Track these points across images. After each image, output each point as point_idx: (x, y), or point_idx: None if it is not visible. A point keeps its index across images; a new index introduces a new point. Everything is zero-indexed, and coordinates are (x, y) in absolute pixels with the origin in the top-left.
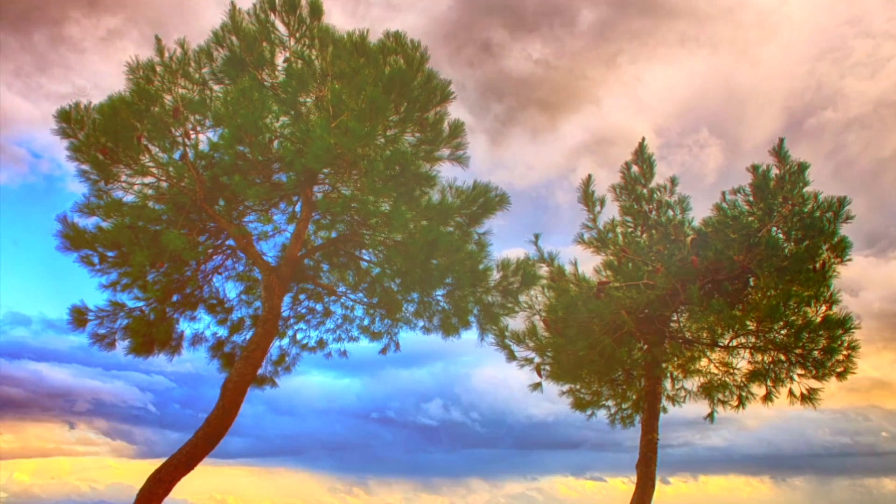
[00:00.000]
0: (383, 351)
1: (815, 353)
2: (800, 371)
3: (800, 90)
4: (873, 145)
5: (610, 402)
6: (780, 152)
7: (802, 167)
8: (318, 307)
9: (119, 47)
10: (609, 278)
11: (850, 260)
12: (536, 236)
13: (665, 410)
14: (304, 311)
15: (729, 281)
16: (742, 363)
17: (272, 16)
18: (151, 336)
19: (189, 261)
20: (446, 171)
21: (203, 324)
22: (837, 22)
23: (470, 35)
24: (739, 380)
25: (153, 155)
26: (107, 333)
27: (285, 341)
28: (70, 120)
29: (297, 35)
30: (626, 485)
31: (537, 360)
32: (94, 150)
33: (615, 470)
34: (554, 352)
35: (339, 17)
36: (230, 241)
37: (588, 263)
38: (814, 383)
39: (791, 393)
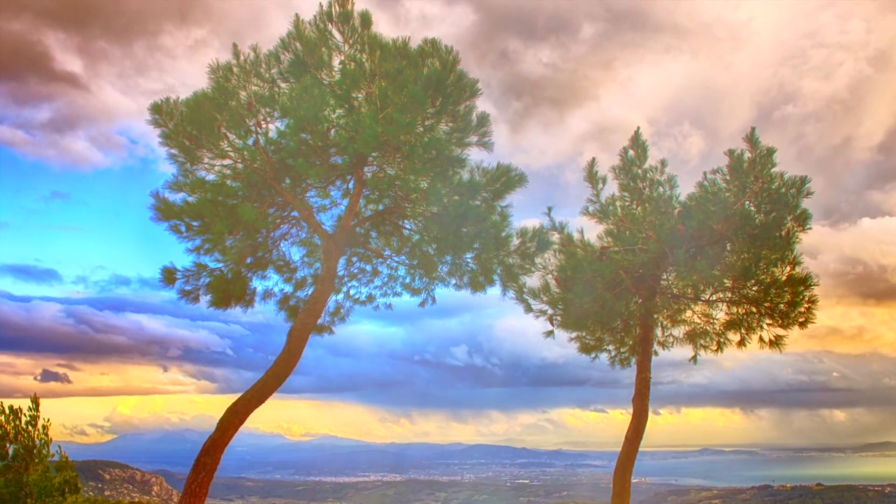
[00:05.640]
0: (422, 304)
1: (781, 305)
2: (768, 321)
3: (765, 89)
4: (827, 135)
5: (610, 347)
6: (752, 139)
7: (770, 151)
8: (368, 268)
9: (203, 53)
10: (610, 244)
11: (810, 229)
12: (549, 209)
13: (656, 353)
14: (356, 271)
15: (709, 246)
16: (720, 314)
17: (329, 25)
18: (229, 292)
19: (260, 229)
20: (474, 155)
21: (272, 281)
22: (797, 35)
23: (490, 45)
24: (718, 328)
25: (230, 141)
26: (192, 290)
27: (340, 296)
28: (161, 112)
29: (351, 41)
30: (623, 415)
31: (550, 311)
32: (181, 138)
33: (615, 403)
34: (564, 305)
35: (385, 26)
36: (295, 213)
37: (592, 231)
38: (780, 331)
39: (761, 339)
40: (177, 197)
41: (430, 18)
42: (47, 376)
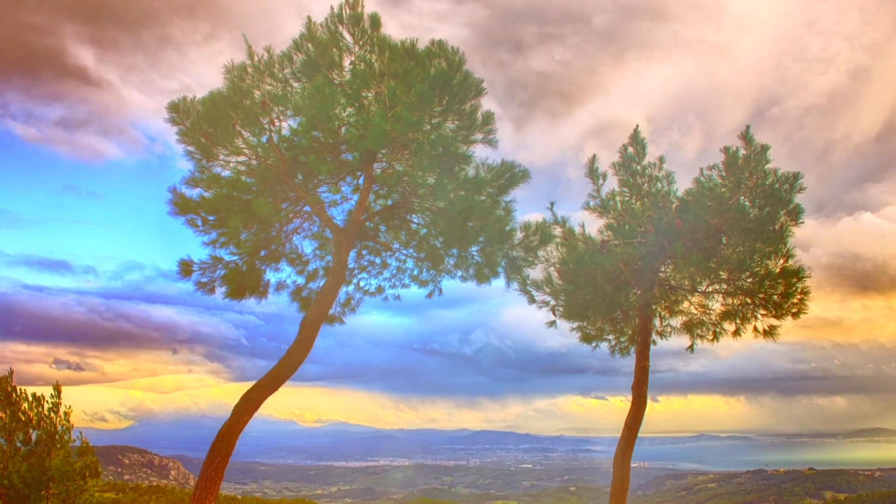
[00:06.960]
0: (429, 295)
1: (775, 297)
2: (762, 311)
3: (760, 85)
4: (826, 129)
5: (610, 336)
6: (746, 136)
7: (764, 149)
8: (377, 260)
9: (220, 58)
10: (610, 237)
11: (802, 223)
12: (552, 203)
13: (655, 343)
14: (365, 263)
15: (706, 239)
16: (716, 305)
17: (340, 27)
18: (244, 284)
19: (274, 223)
20: (479, 152)
21: (285, 274)
22: (797, 24)
23: (488, 53)
24: (714, 318)
25: (245, 139)
26: (208, 282)
27: (351, 288)
28: (179, 111)
29: (360, 43)
30: (623, 402)
31: (552, 302)
32: (197, 135)
33: (615, 390)
34: (566, 296)
35: (394, 28)
36: (307, 208)
37: (593, 225)
38: (773, 321)
39: (755, 329)
40: (193, 192)
41: (431, 28)
42: (68, 365)
